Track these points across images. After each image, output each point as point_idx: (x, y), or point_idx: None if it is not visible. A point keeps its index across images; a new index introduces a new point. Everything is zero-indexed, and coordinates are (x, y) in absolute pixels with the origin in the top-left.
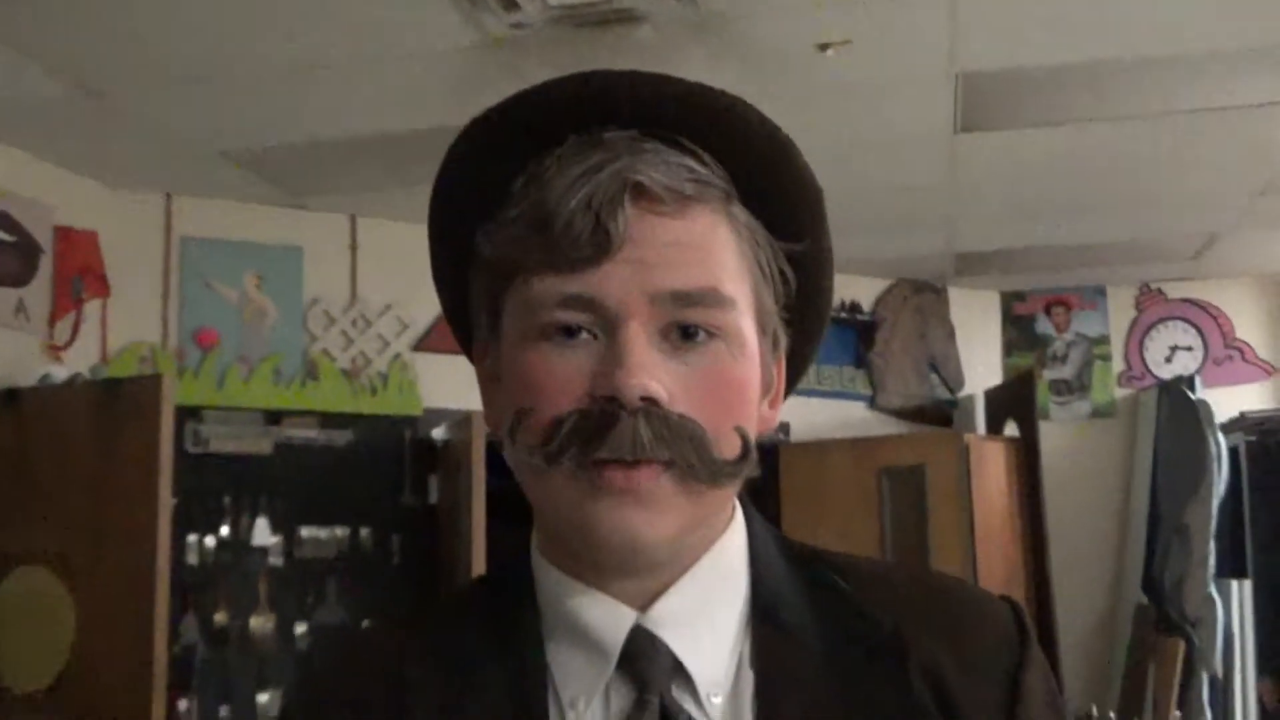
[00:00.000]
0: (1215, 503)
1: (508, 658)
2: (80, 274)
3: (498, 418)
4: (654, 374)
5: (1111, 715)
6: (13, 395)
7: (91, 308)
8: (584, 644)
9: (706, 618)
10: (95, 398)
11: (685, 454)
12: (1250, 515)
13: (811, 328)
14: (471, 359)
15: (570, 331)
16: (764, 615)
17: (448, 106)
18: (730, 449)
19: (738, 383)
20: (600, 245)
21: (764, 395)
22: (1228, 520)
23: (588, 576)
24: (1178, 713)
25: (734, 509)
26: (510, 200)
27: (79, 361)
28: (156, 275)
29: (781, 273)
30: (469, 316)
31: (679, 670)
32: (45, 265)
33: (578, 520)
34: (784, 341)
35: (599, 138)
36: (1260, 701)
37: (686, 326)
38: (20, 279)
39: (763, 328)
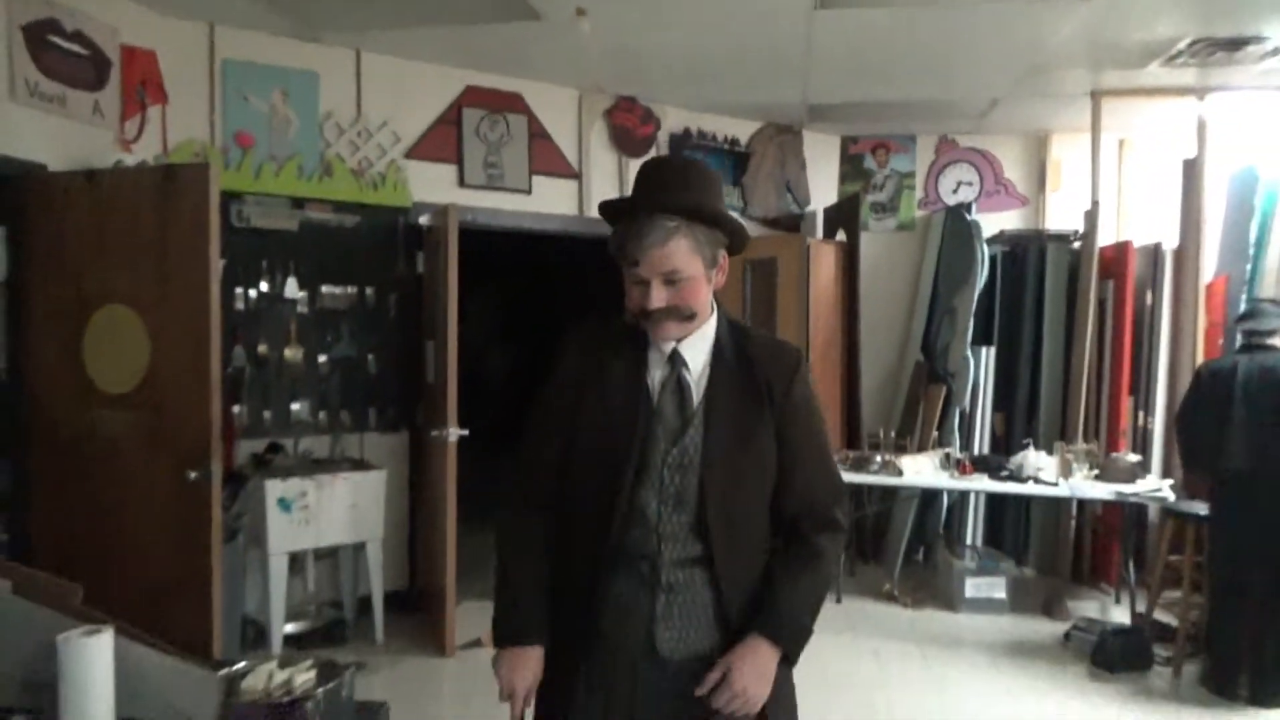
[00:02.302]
0: (976, 293)
1: (634, 351)
2: (143, 84)
3: (630, 304)
4: (661, 298)
5: (893, 434)
6: (92, 175)
7: (153, 112)
8: (658, 353)
9: (696, 348)
10: (158, 178)
11: (673, 314)
12: (1000, 302)
13: (738, 243)
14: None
15: (637, 282)
16: (716, 350)
17: None
18: (696, 304)
19: (694, 290)
20: (636, 261)
21: (711, 279)
22: (983, 305)
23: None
24: (936, 434)
25: (714, 309)
26: (616, 236)
27: (145, 153)
28: (204, 88)
29: (719, 238)
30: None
31: (685, 364)
32: (114, 76)
33: (646, 327)
34: (722, 258)
35: (639, 216)
36: (993, 429)
37: (669, 278)
38: (95, 85)
39: (706, 266)
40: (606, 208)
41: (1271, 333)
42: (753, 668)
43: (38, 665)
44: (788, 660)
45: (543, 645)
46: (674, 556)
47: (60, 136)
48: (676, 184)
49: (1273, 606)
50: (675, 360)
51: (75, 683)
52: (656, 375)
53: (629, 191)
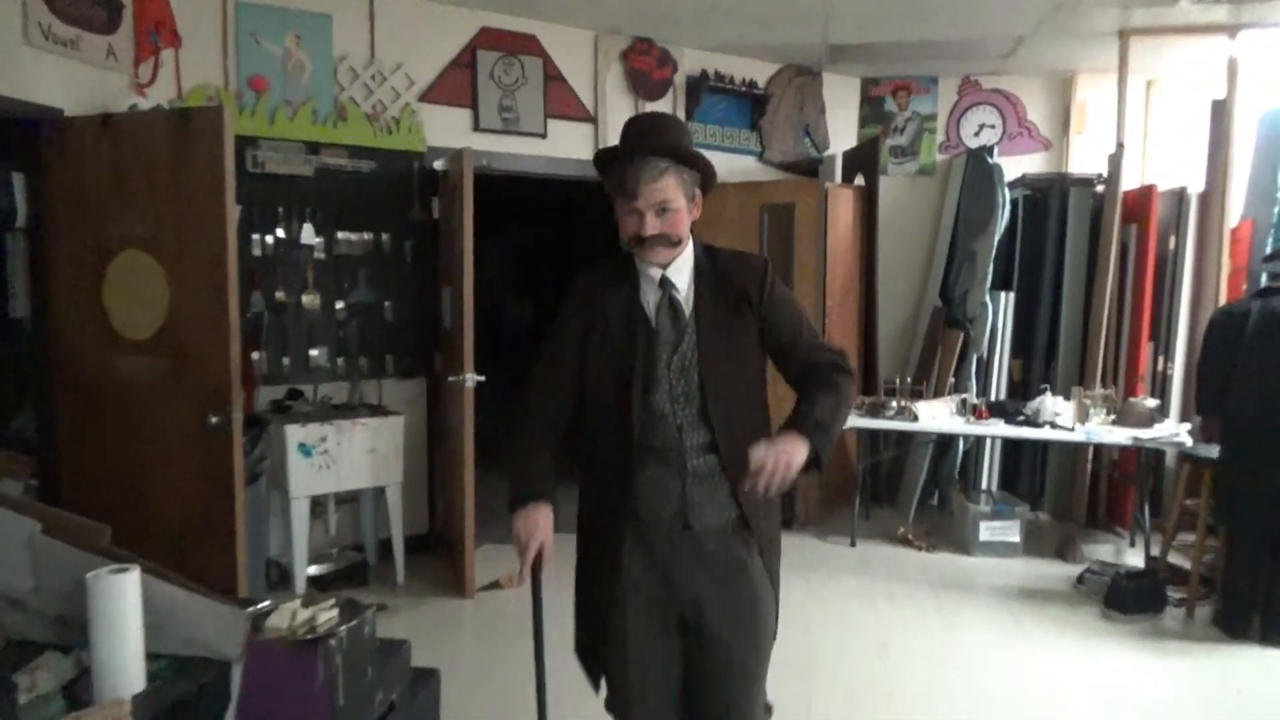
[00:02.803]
0: (996, 238)
1: (626, 285)
2: (156, 27)
3: (622, 232)
4: (654, 225)
5: (908, 380)
6: (108, 119)
7: (166, 55)
8: (649, 278)
9: (680, 272)
10: (172, 122)
11: (663, 240)
12: (1020, 248)
13: (710, 183)
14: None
15: (633, 212)
16: (697, 271)
17: None
18: (681, 231)
19: (679, 219)
20: (633, 193)
21: (690, 212)
22: (1003, 250)
23: (645, 262)
24: (952, 380)
25: (689, 238)
26: (611, 172)
27: (159, 97)
28: (217, 31)
29: (696, 178)
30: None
31: (674, 287)
32: (127, 18)
33: (638, 254)
34: (698, 194)
35: (632, 161)
36: (1010, 375)
37: (661, 208)
38: (108, 28)
39: (688, 200)
40: (602, 154)
41: None
42: (787, 442)
43: (69, 603)
44: (817, 461)
45: (550, 505)
46: (692, 444)
47: (75, 80)
48: (662, 132)
49: (1278, 550)
50: (665, 285)
51: (105, 619)
52: (651, 300)
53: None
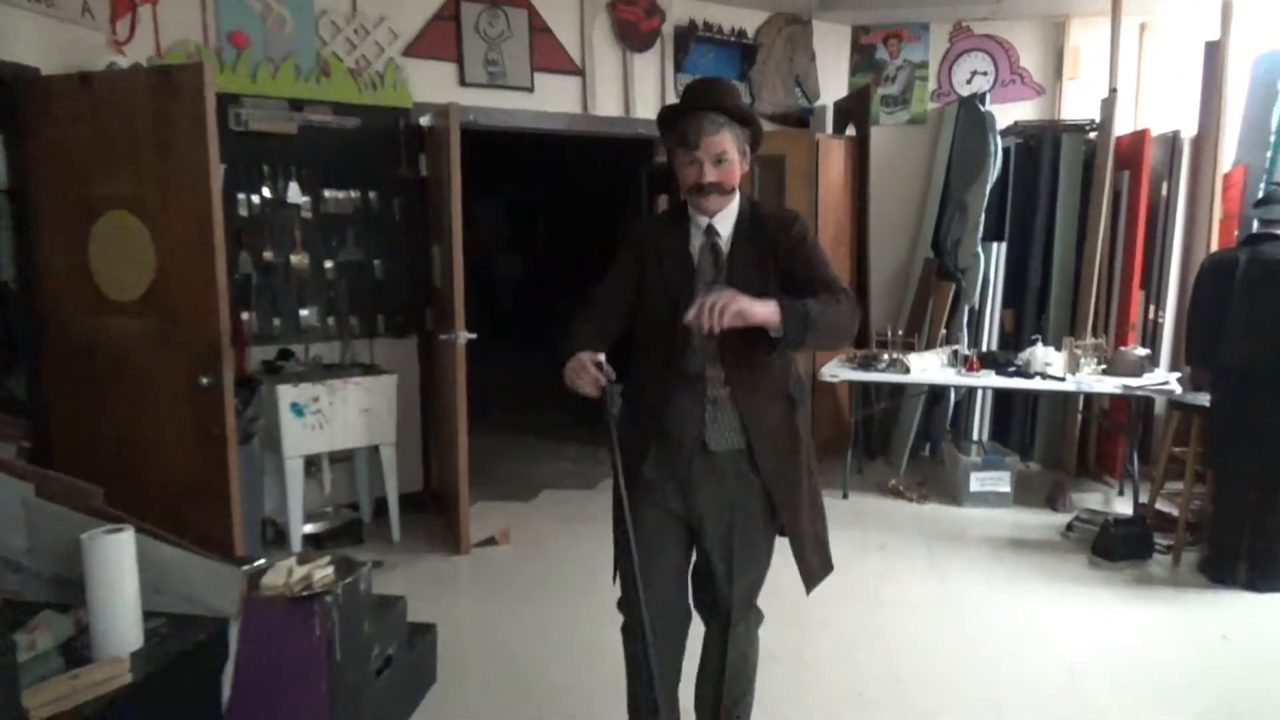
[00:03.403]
0: (988, 187)
1: (680, 231)
2: None
3: (679, 179)
4: (711, 174)
5: (900, 332)
6: (87, 77)
7: (144, 11)
8: (698, 225)
9: (725, 222)
10: (152, 80)
11: (718, 188)
12: (1012, 197)
13: (758, 139)
14: (670, 155)
15: (693, 162)
16: (739, 222)
17: None
18: (734, 182)
19: (733, 171)
20: (694, 144)
21: (743, 165)
22: (995, 200)
23: (698, 210)
24: (944, 331)
25: (738, 191)
26: (673, 128)
27: (137, 55)
28: None
29: (750, 138)
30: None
31: (718, 234)
32: None
33: (694, 202)
34: (749, 152)
35: (693, 116)
36: (1002, 325)
37: (719, 159)
38: None
39: (742, 154)
40: (666, 110)
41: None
42: (749, 299)
43: (64, 563)
44: (787, 338)
45: (588, 347)
46: (714, 375)
47: (50, 38)
48: (720, 93)
49: (1269, 496)
50: (710, 232)
51: (100, 578)
52: (697, 244)
53: (633, 88)
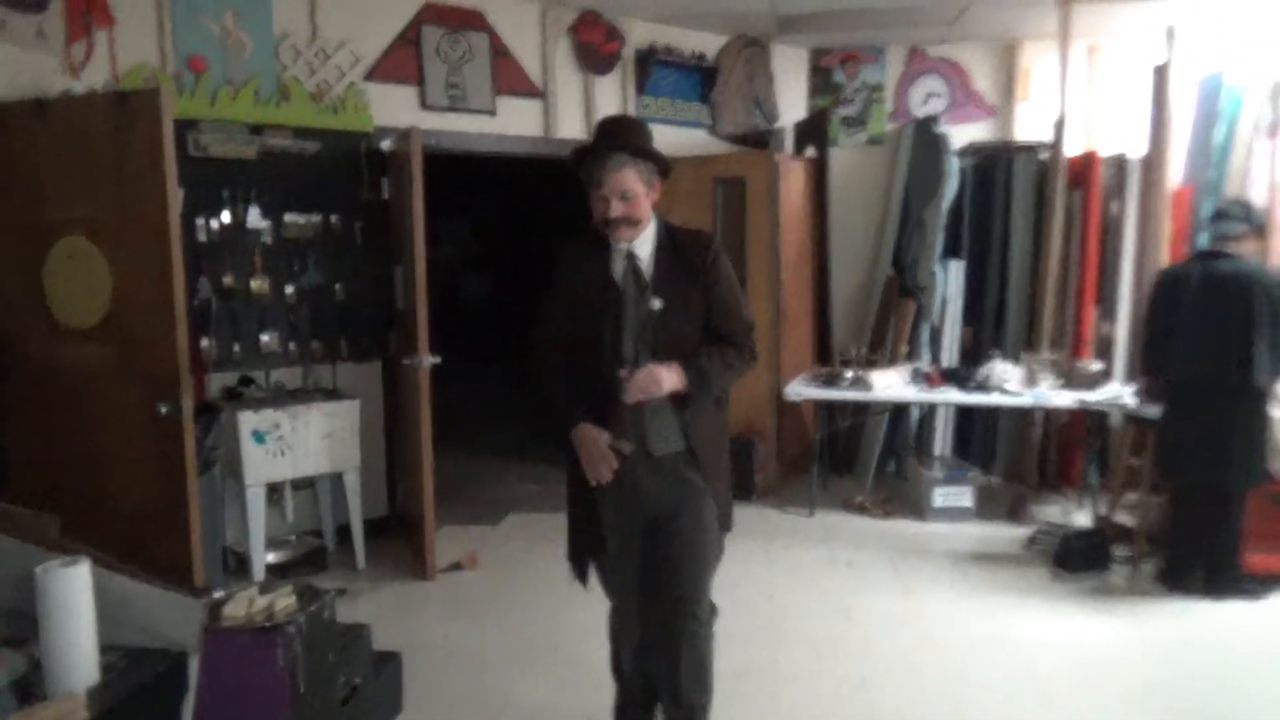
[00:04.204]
0: (945, 206)
1: (599, 256)
2: (88, 6)
3: (595, 215)
4: (618, 209)
5: (863, 350)
6: (40, 104)
7: (100, 35)
8: (618, 252)
9: (643, 246)
10: (108, 105)
11: (625, 221)
12: (968, 216)
13: (665, 171)
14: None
15: (602, 199)
16: (658, 244)
17: None
18: (641, 214)
19: (638, 204)
20: (600, 183)
21: (651, 196)
22: (952, 219)
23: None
24: (906, 348)
25: (650, 217)
26: (585, 165)
27: (93, 79)
28: (152, 11)
29: (654, 169)
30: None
31: (638, 258)
32: None
33: (607, 232)
34: (656, 182)
35: (599, 156)
36: (961, 341)
37: (624, 195)
38: (36, 7)
39: (646, 188)
40: (576, 152)
41: (1235, 237)
42: (665, 368)
43: (18, 597)
44: (692, 395)
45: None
46: None
47: (2, 63)
48: (624, 132)
49: (1219, 506)
50: (630, 257)
51: (55, 612)
52: (619, 269)
53: (595, 111)
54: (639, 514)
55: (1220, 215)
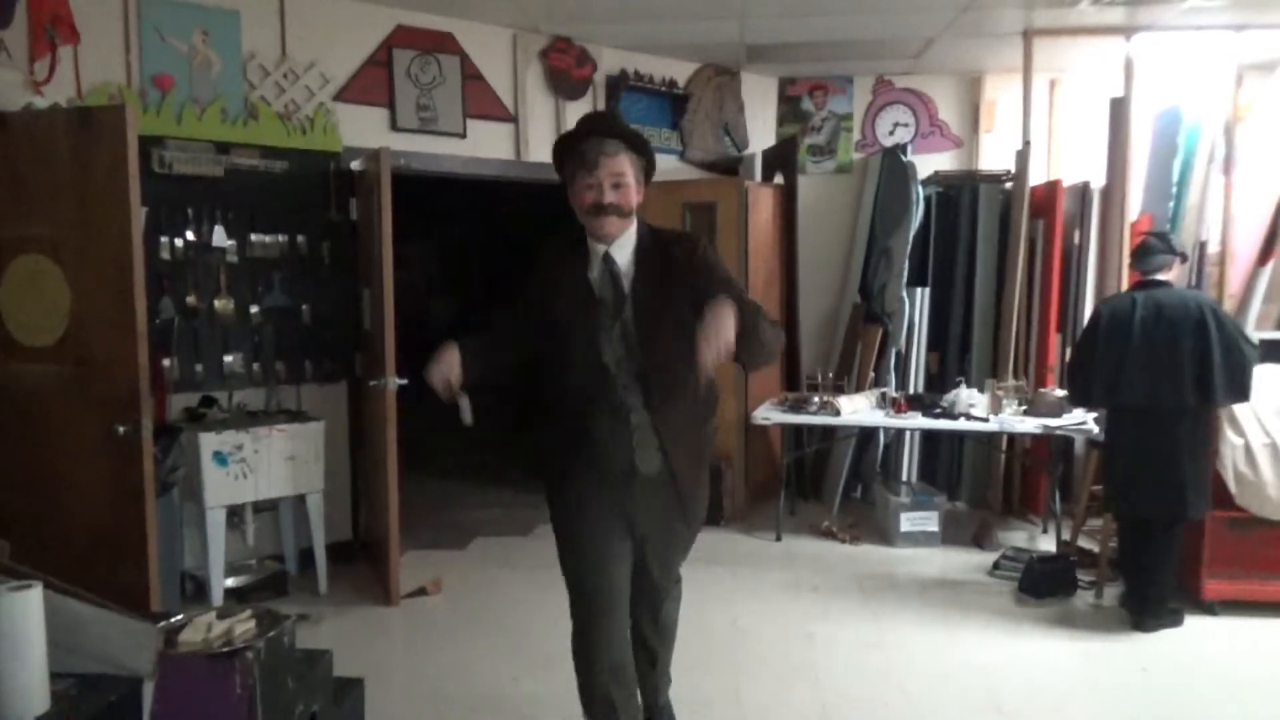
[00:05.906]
0: (911, 234)
1: (577, 261)
2: (52, 22)
3: (575, 205)
4: (610, 195)
5: (830, 375)
6: (2, 118)
7: (64, 52)
8: (595, 255)
9: (623, 249)
10: (71, 121)
11: (615, 210)
12: (934, 243)
13: (651, 170)
14: (567, 189)
15: (592, 185)
16: (638, 248)
17: None
18: (630, 205)
19: (629, 194)
20: (594, 164)
21: (639, 193)
22: (919, 246)
23: (596, 239)
24: (873, 374)
25: (635, 216)
26: (571, 153)
27: (57, 95)
28: (118, 27)
29: (643, 164)
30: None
31: (615, 263)
32: (20, 13)
33: (592, 226)
34: (643, 181)
35: (591, 140)
36: (927, 368)
37: (617, 182)
38: (0, 21)
39: (637, 180)
40: (563, 138)
41: (1165, 267)
42: (727, 316)
43: None
44: (744, 337)
45: (461, 354)
46: (634, 401)
47: None
48: (616, 122)
49: (1170, 533)
50: (607, 260)
51: (5, 639)
52: (595, 273)
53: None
54: (622, 521)
55: (1145, 250)
